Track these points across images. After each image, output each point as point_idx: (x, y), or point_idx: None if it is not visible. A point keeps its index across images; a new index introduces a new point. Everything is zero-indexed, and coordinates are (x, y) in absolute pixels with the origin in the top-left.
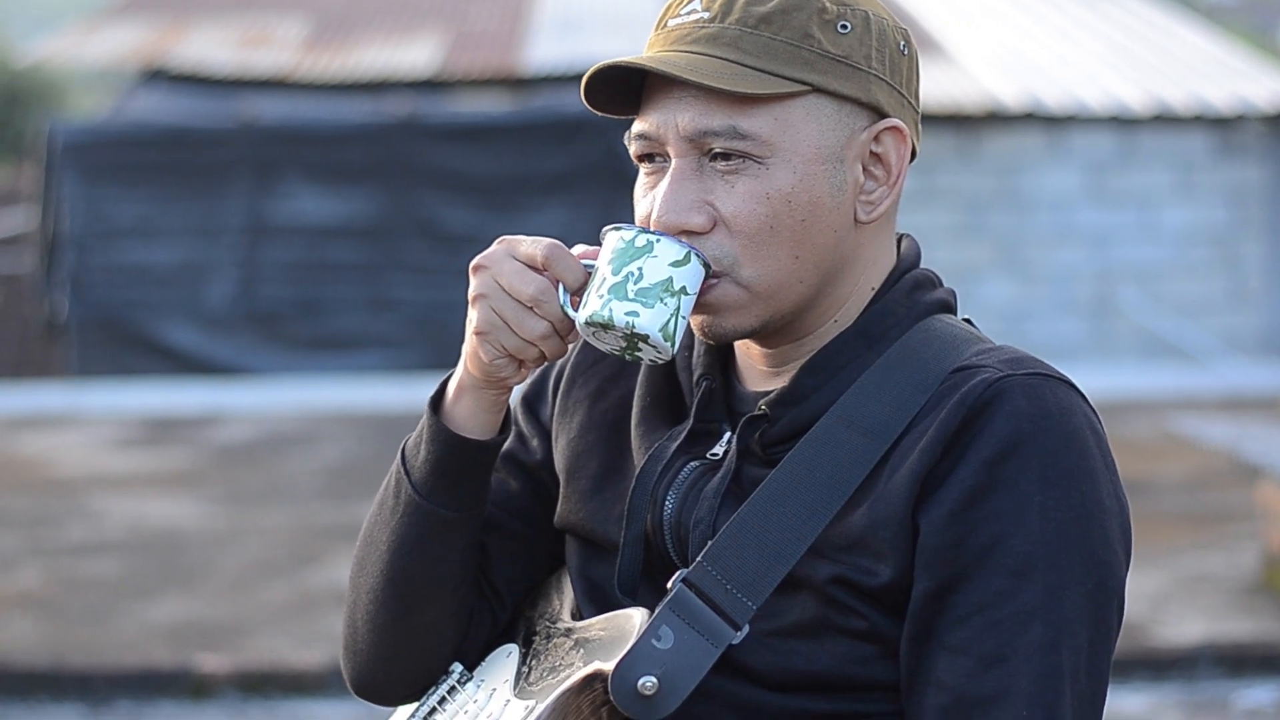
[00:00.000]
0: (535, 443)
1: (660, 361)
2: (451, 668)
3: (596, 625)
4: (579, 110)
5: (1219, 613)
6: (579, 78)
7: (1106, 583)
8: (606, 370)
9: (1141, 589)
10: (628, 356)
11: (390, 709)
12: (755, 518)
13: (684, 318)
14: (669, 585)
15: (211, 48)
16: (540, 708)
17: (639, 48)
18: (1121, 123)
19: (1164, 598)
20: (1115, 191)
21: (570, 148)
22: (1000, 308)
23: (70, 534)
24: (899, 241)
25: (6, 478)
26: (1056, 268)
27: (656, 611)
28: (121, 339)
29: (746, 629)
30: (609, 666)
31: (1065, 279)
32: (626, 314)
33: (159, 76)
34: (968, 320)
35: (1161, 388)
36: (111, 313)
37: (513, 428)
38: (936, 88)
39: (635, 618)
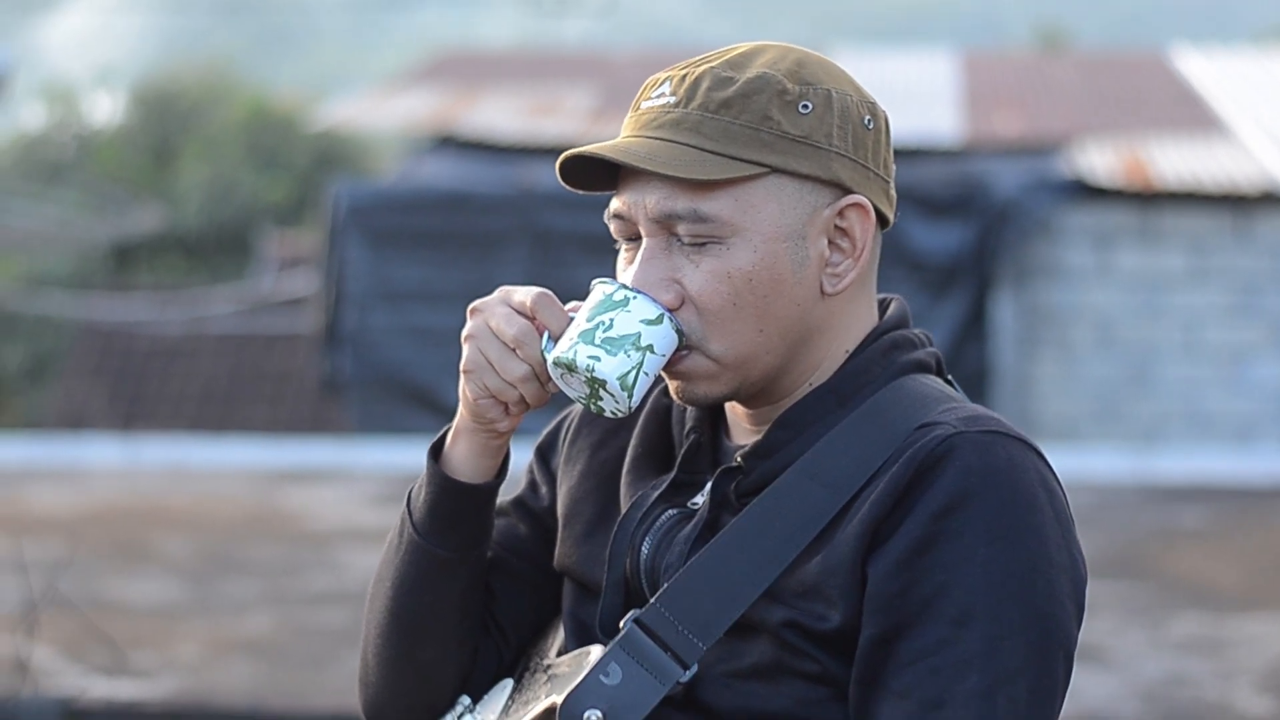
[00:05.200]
0: (544, 490)
1: (619, 415)
2: (460, 699)
3: (565, 661)
4: None
5: None
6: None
7: (1051, 635)
8: (610, 422)
9: None
10: (591, 406)
11: None
12: (712, 563)
13: (647, 374)
14: (620, 625)
15: (501, 115)
16: None
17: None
18: None
19: None
20: None
21: None
22: (1272, 390)
23: (310, 584)
24: (887, 305)
25: (261, 528)
26: None
27: (607, 649)
28: (400, 398)
29: (695, 668)
30: (561, 700)
31: None
32: (589, 357)
33: (448, 142)
34: (949, 381)
35: None
36: (391, 372)
37: (517, 476)
38: (1214, 165)
39: (592, 654)
